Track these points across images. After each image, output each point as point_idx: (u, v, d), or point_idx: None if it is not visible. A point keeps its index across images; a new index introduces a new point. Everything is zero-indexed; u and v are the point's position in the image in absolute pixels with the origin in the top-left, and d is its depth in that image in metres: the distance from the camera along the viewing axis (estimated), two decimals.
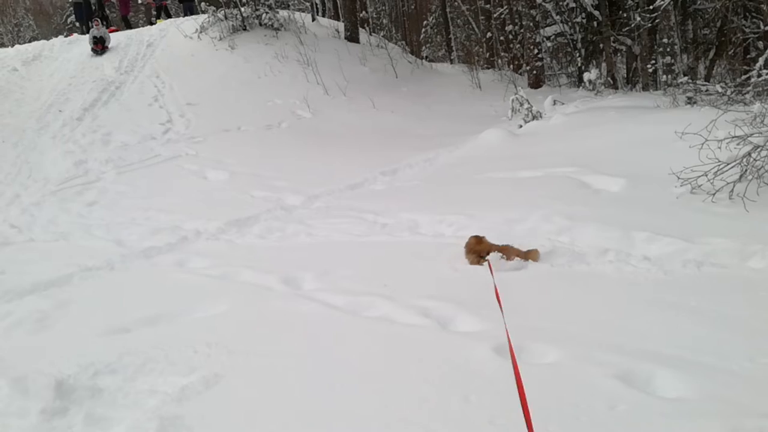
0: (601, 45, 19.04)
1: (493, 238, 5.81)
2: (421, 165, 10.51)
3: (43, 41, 23.18)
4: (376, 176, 9.97)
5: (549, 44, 20.17)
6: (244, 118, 14.36)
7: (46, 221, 8.72)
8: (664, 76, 14.73)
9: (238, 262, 6.43)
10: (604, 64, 19.70)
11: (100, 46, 19.56)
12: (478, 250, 5.59)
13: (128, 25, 24.99)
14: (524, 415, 2.57)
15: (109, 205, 9.40)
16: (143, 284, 6.05)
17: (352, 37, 20.96)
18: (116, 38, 21.00)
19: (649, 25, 16.36)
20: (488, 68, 22.01)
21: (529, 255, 5.47)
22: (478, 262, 5.48)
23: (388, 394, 3.47)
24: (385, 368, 3.79)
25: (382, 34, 28.00)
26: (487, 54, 24.13)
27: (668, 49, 14.58)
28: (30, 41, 29.93)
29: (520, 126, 12.16)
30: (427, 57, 27.11)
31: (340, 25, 21.67)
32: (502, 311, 3.79)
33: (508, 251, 5.50)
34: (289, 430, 3.26)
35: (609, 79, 18.45)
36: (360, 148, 12.36)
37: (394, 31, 33.23)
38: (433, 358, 3.82)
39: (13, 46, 24.50)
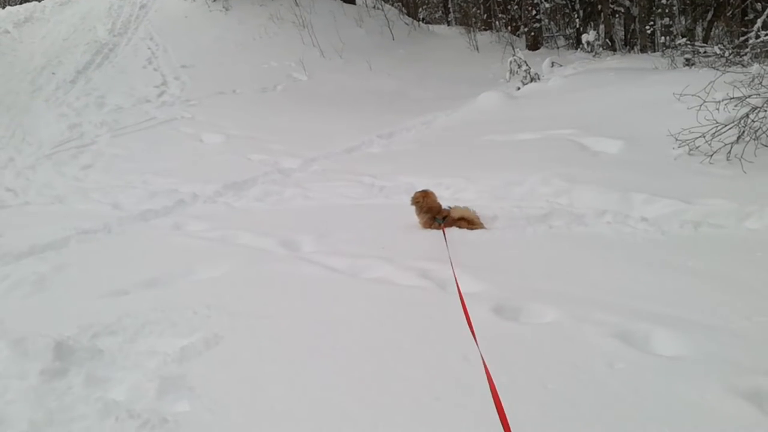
0: (599, 6, 18.86)
1: (490, 200, 5.82)
2: (418, 128, 10.48)
3: (34, 2, 22.86)
4: (372, 139, 9.93)
5: (547, 5, 19.94)
6: (239, 81, 14.29)
7: (42, 185, 8.70)
8: (663, 38, 14.63)
9: (236, 225, 6.42)
10: (602, 26, 19.49)
11: None
12: (429, 207, 5.59)
13: None
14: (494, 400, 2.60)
15: (104, 168, 9.37)
16: (141, 247, 6.05)
17: None
18: (109, 0, 20.74)
19: None
20: (486, 30, 21.76)
21: (471, 221, 5.49)
22: (431, 225, 5.52)
23: (388, 354, 3.49)
24: (384, 329, 3.80)
25: None
26: (485, 15, 23.85)
27: (666, 11, 14.46)
28: (21, 3, 29.52)
29: (518, 88, 12.11)
30: (423, 19, 26.76)
31: None
32: (457, 283, 3.84)
33: (455, 217, 5.51)
34: (290, 389, 3.27)
35: (607, 40, 18.29)
36: (356, 111, 12.30)
37: None
38: (432, 318, 3.84)
39: (4, 7, 24.17)
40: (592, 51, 15.69)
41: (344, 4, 20.27)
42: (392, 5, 22.94)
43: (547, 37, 20.12)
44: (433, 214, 5.53)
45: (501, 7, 21.98)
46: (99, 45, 16.85)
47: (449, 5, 28.46)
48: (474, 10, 24.41)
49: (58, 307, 4.86)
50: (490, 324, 3.64)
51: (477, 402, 2.94)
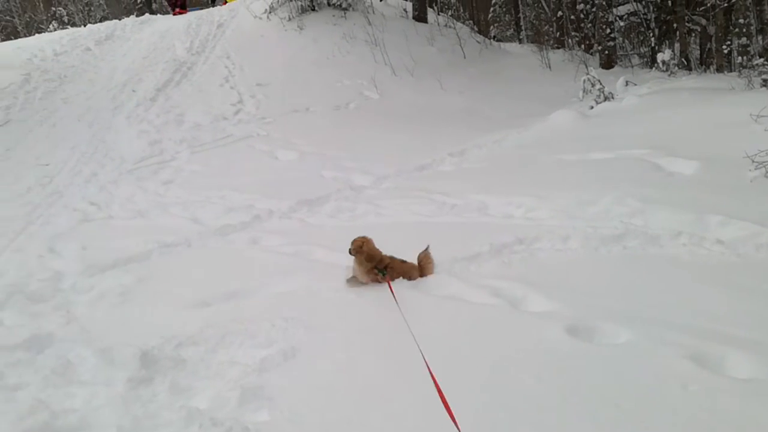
0: (675, 25, 18.53)
1: (563, 220, 5.79)
2: (489, 146, 10.47)
3: (115, 21, 23.76)
4: (444, 157, 9.97)
5: (621, 24, 19.70)
6: (312, 99, 14.54)
7: (124, 199, 9.01)
8: (739, 58, 14.29)
9: (310, 241, 6.58)
10: (677, 45, 19.15)
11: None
12: (371, 255, 5.06)
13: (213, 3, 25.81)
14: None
15: (184, 183, 9.66)
16: (220, 261, 6.25)
17: (420, 17, 20.88)
18: (187, 19, 21.46)
19: (725, 4, 15.87)
20: (558, 48, 21.60)
21: (413, 271, 5.15)
22: (376, 279, 5.03)
23: (460, 370, 3.55)
24: (457, 345, 3.87)
25: (450, 13, 27.78)
26: (557, 33, 23.69)
27: (744, 30, 14.15)
28: (100, 21, 30.74)
29: (592, 107, 11.99)
30: (495, 37, 26.75)
31: (408, 5, 21.58)
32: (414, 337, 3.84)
33: (394, 267, 5.10)
34: (364, 402, 3.36)
35: (682, 60, 17.95)
36: (428, 129, 12.36)
37: (462, 11, 32.92)
38: (504, 336, 3.88)
39: (84, 25, 25.20)
40: (667, 70, 15.41)
41: (416, 22, 20.41)
42: (464, 23, 22.99)
43: (621, 55, 19.85)
44: (374, 263, 5.04)
45: (574, 25, 21.80)
46: (178, 63, 17.41)
47: (521, 23, 28.39)
48: (546, 27, 24.29)
49: (142, 317, 5.09)
50: (563, 344, 3.65)
51: (549, 419, 2.97)
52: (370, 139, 11.80)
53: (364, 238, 5.13)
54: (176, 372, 4.08)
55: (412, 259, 5.21)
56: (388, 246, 5.75)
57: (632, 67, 18.31)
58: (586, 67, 15.24)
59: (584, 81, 13.05)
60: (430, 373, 3.24)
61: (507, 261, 5.24)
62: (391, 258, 5.14)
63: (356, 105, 14.44)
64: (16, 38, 27.87)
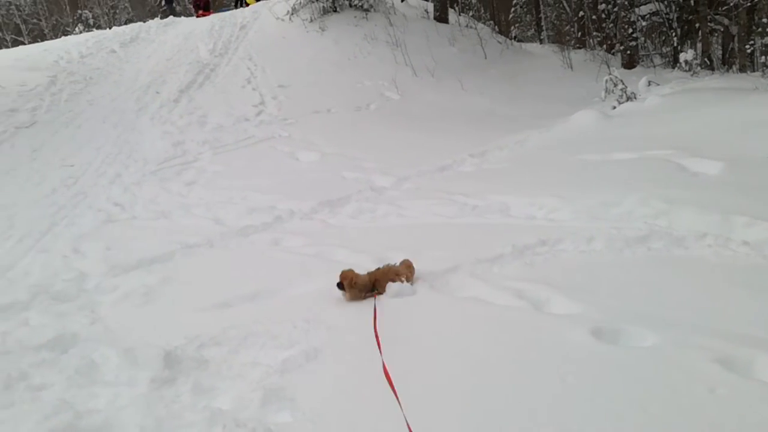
0: (697, 25, 18.35)
1: (586, 221, 5.75)
2: (510, 147, 10.42)
3: (139, 23, 24.00)
4: (465, 158, 9.93)
5: (643, 23, 19.53)
6: (333, 100, 14.57)
7: (147, 200, 9.08)
8: (762, 57, 14.12)
9: (331, 242, 6.59)
10: (699, 45, 18.96)
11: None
12: (365, 287, 4.97)
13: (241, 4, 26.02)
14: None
15: (206, 184, 9.70)
16: (242, 262, 6.28)
17: (441, 18, 20.88)
18: (210, 21, 21.61)
19: (748, 4, 15.68)
20: (580, 48, 21.48)
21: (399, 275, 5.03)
22: (361, 297, 4.92)
23: (484, 373, 3.53)
24: (479, 347, 3.85)
25: (470, 14, 27.68)
26: (579, 33, 23.55)
27: (767, 30, 13.94)
28: (125, 23, 31.06)
29: (614, 107, 11.90)
30: (516, 37, 26.64)
31: (430, 6, 21.58)
32: (380, 348, 3.83)
33: (378, 278, 4.99)
34: (387, 405, 3.35)
35: (705, 60, 17.77)
36: (448, 130, 12.35)
37: (482, 11, 32.81)
38: (528, 338, 3.86)
39: (110, 27, 25.46)
40: (689, 70, 15.27)
41: (437, 23, 20.40)
42: (484, 24, 22.93)
43: (643, 55, 19.70)
44: (367, 290, 4.95)
45: (595, 25, 21.66)
46: (201, 65, 17.53)
47: (542, 23, 28.27)
48: (567, 28, 24.16)
49: (165, 317, 5.13)
50: (588, 346, 3.63)
51: (574, 422, 2.95)
52: (391, 139, 11.80)
53: (350, 272, 4.98)
54: (199, 372, 4.10)
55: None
56: (409, 248, 5.76)
57: (654, 67, 18.16)
58: (608, 67, 15.12)
59: (606, 81, 12.93)
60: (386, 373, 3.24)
61: (530, 262, 5.19)
62: (375, 271, 5.06)
63: (377, 106, 14.45)
64: (42, 41, 28.19)
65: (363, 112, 14.05)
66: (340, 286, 4.93)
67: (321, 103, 14.39)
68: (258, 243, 6.93)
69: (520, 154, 9.89)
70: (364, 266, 5.46)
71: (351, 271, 5.00)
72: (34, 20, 45.97)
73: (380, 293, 4.87)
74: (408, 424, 2.81)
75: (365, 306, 4.76)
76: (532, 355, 3.65)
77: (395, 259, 5.28)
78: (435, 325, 4.27)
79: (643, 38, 20.56)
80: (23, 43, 37.70)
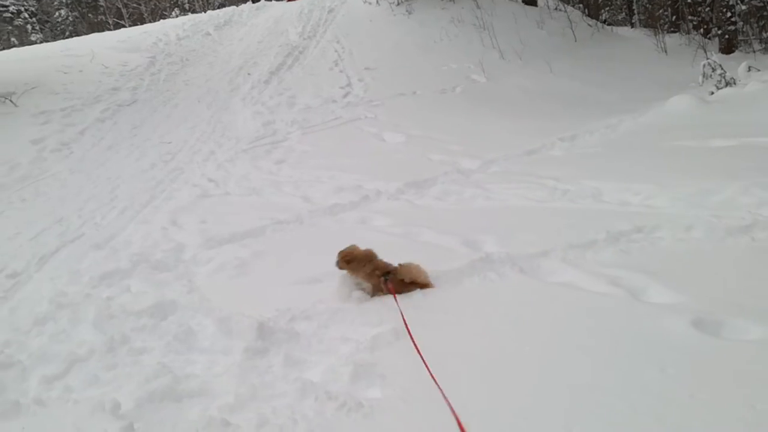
0: None
1: (685, 209, 5.57)
2: (601, 131, 10.18)
3: (233, 7, 24.60)
4: (554, 142, 9.76)
5: (743, 7, 18.67)
6: (419, 83, 14.56)
7: (240, 177, 9.34)
8: None
9: (418, 223, 6.59)
10: None
11: None
12: (373, 268, 4.80)
13: None
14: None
15: (295, 163, 9.89)
16: (331, 239, 6.32)
17: (530, 1, 20.51)
18: (300, 5, 21.89)
19: None
20: (674, 32, 20.72)
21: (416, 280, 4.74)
22: (379, 287, 4.75)
23: (578, 361, 3.48)
24: (572, 335, 3.78)
25: None
26: (673, 17, 22.71)
27: None
28: (218, 7, 31.79)
29: (712, 93, 11.47)
30: (606, 21, 25.89)
31: None
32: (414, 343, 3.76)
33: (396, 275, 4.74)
34: (476, 387, 3.35)
35: None
36: (536, 114, 12.17)
37: None
38: (625, 327, 3.76)
39: (204, 11, 26.13)
40: None
41: (525, 6, 20.06)
42: (574, 7, 22.40)
43: (742, 40, 18.84)
44: (373, 267, 4.80)
45: (690, 9, 20.83)
46: (290, 47, 17.82)
47: (633, 6, 27.38)
48: (660, 11, 23.31)
49: (257, 290, 5.27)
50: (689, 337, 3.51)
51: (675, 414, 2.88)
52: (477, 122, 11.72)
53: (350, 246, 4.92)
54: (290, 345, 4.19)
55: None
56: (498, 231, 5.71)
57: (754, 52, 17.34)
58: (705, 51, 14.55)
59: (704, 66, 12.46)
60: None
61: (625, 249, 5.04)
62: (401, 266, 4.82)
63: (463, 88, 14.35)
64: (142, 24, 29.19)
65: (449, 94, 13.98)
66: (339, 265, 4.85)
67: (407, 85, 14.41)
68: (346, 221, 7.01)
69: (612, 139, 9.66)
70: (451, 248, 5.48)
71: (353, 247, 4.90)
72: (134, 4, 47.66)
73: (390, 289, 4.65)
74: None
75: (452, 287, 4.75)
76: (628, 343, 3.56)
77: (484, 245, 5.23)
78: (525, 308, 4.24)
79: (741, 23, 19.65)
80: (124, 26, 39.11)
